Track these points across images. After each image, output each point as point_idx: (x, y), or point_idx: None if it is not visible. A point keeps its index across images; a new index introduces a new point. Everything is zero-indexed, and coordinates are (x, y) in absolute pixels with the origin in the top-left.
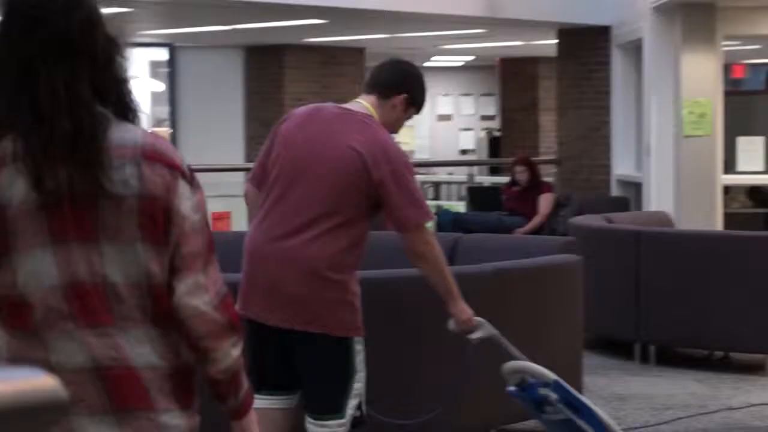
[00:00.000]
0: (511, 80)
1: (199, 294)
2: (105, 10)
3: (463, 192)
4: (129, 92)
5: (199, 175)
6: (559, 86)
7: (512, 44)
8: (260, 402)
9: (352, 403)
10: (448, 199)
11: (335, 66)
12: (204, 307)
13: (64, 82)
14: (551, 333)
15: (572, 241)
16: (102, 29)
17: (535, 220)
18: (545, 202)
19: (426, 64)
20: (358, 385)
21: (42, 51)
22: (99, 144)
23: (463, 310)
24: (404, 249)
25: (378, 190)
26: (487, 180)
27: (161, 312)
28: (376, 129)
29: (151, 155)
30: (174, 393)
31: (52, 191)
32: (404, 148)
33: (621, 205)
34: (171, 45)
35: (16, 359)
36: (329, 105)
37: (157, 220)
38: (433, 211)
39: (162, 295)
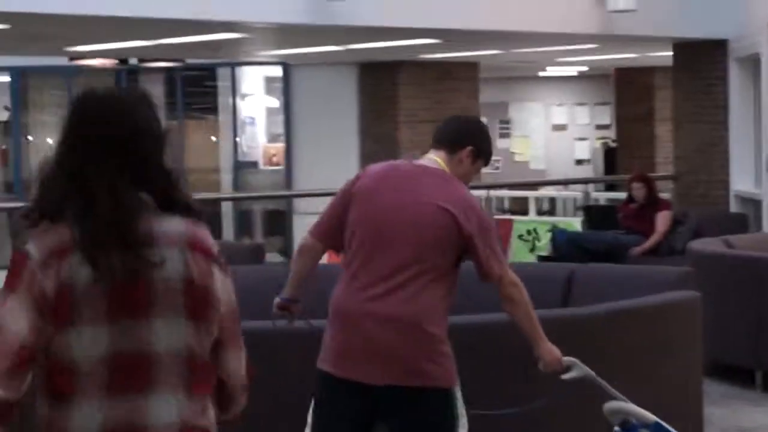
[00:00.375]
0: (627, 90)
1: (243, 368)
2: (222, 37)
3: (579, 206)
4: (174, 185)
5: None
6: (675, 100)
7: (627, 56)
8: None
9: None
10: (564, 214)
11: (450, 81)
12: (245, 380)
13: (110, 178)
14: (669, 371)
15: (690, 272)
16: (151, 132)
17: (653, 239)
18: (663, 220)
19: (540, 74)
20: (462, 431)
21: (93, 150)
22: (144, 230)
23: (550, 350)
24: (499, 295)
25: (467, 242)
26: (602, 196)
27: (194, 380)
28: (457, 184)
29: (194, 244)
30: None
31: (106, 274)
32: (519, 159)
33: (739, 222)
34: (285, 63)
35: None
36: (404, 162)
37: (198, 301)
38: (548, 229)
39: (197, 365)
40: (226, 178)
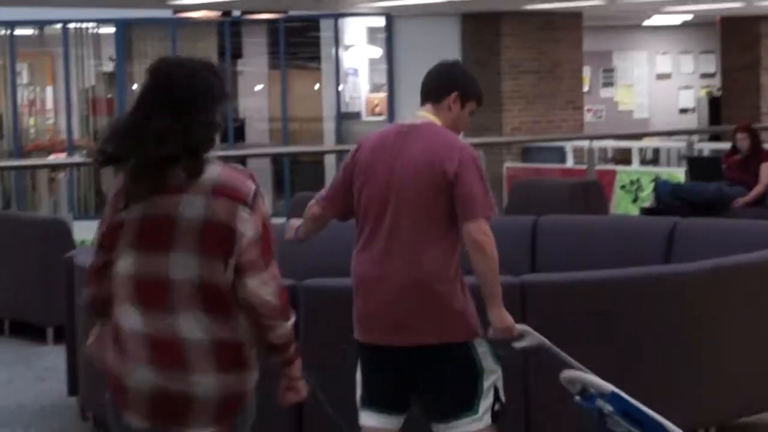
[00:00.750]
0: (732, 39)
1: (264, 288)
2: None
3: (682, 157)
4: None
5: None
6: None
7: (733, 5)
8: (372, 419)
9: (485, 403)
10: (668, 164)
11: (552, 32)
12: (268, 297)
13: (164, 127)
14: None
15: None
16: (207, 94)
17: (756, 190)
18: (767, 171)
19: (645, 23)
20: (488, 383)
21: (157, 103)
22: (174, 178)
23: (503, 316)
24: (463, 238)
25: (453, 182)
26: (707, 147)
27: (210, 301)
28: (443, 133)
29: (219, 191)
30: (213, 360)
31: (134, 215)
32: (623, 108)
33: None
34: (388, 14)
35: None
36: (394, 127)
37: (216, 238)
38: (651, 179)
39: (209, 291)
40: (329, 127)
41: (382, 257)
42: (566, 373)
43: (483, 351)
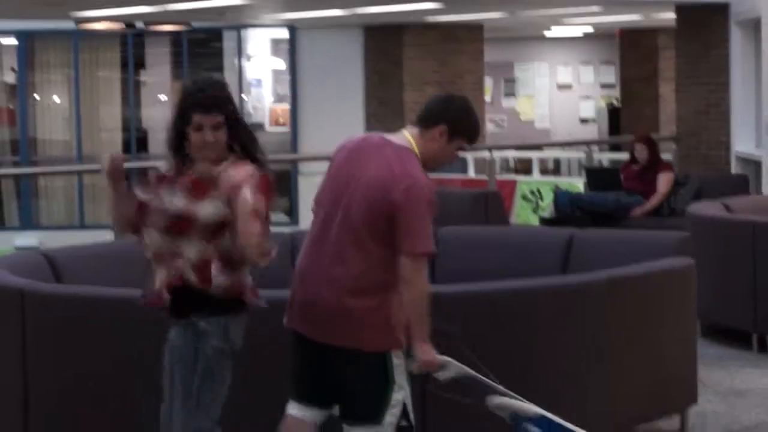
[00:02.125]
0: (631, 50)
1: (247, 229)
2: (228, 2)
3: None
4: (253, 142)
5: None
6: (678, 63)
7: (631, 18)
8: (296, 411)
9: (390, 416)
10: (568, 174)
11: (454, 43)
12: (252, 238)
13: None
14: (664, 336)
15: (687, 237)
16: (233, 101)
17: (653, 200)
18: (664, 181)
19: (546, 34)
20: (398, 396)
21: (196, 110)
22: (204, 173)
23: (427, 350)
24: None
25: (396, 211)
26: (606, 157)
27: (214, 233)
28: (406, 159)
29: (235, 189)
30: (222, 267)
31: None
32: (524, 118)
33: (740, 183)
34: (291, 26)
35: None
36: (375, 136)
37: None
38: (551, 189)
39: (213, 226)
40: None
41: (314, 255)
42: (494, 400)
43: (397, 364)
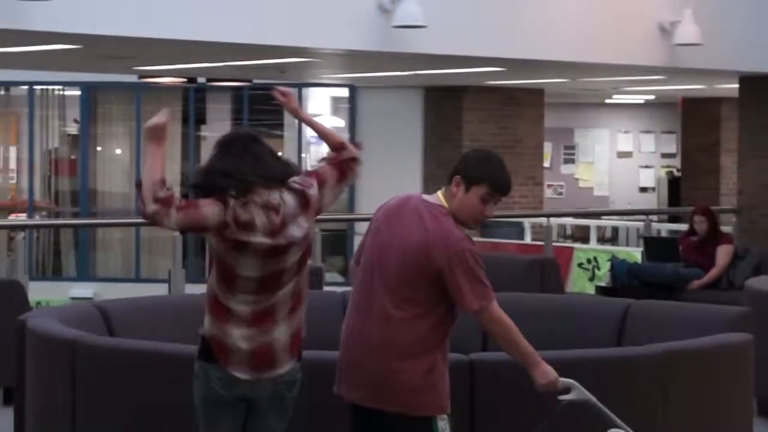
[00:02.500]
0: (693, 120)
1: None
2: (292, 61)
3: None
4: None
5: None
6: (740, 133)
7: (694, 87)
8: None
9: None
10: (626, 243)
11: (514, 107)
12: None
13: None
14: (719, 413)
15: (746, 312)
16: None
17: (712, 273)
18: (723, 254)
19: (607, 101)
20: None
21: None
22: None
23: (543, 372)
24: None
25: (441, 276)
26: (665, 227)
27: None
28: (438, 216)
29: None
30: None
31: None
32: (583, 185)
33: None
34: (351, 85)
35: None
36: (413, 196)
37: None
38: (608, 258)
39: None
40: None
41: (357, 319)
42: None
43: (443, 427)
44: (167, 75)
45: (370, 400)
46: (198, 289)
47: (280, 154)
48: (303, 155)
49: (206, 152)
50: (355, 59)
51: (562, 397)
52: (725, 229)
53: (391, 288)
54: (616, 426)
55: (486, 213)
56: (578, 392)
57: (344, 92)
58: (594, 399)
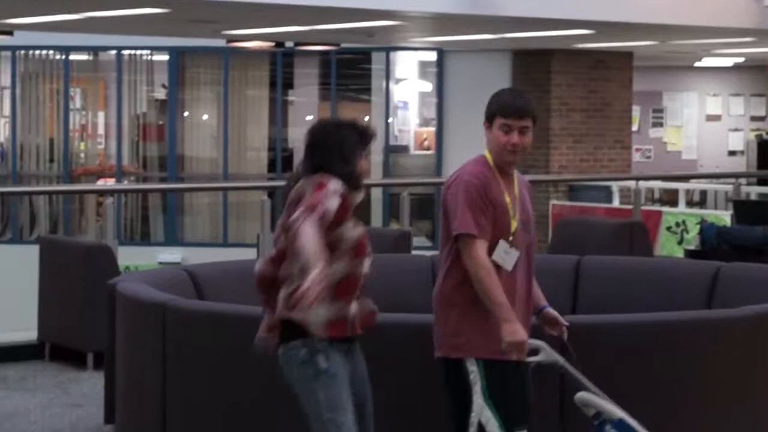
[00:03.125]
0: None
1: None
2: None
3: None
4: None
5: None
6: None
7: None
8: None
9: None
10: (714, 207)
11: (603, 70)
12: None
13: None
14: None
15: None
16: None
17: None
18: None
19: (695, 64)
20: (478, 402)
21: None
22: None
23: (512, 331)
24: None
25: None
26: (754, 190)
27: None
28: (467, 163)
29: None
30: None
31: None
32: (671, 148)
33: None
34: (439, 49)
35: None
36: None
37: None
38: (697, 222)
39: None
40: (377, 159)
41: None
42: (580, 395)
43: (474, 370)
44: (255, 39)
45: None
46: None
47: (366, 118)
48: (390, 119)
49: (294, 117)
50: (443, 22)
51: (530, 359)
52: None
53: (443, 239)
54: (587, 389)
55: (512, 141)
56: (546, 354)
57: (432, 56)
58: (562, 360)
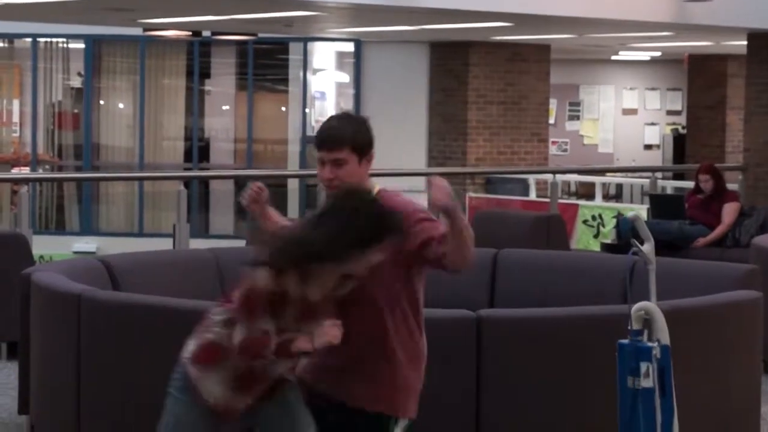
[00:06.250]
0: (699, 77)
1: None
2: (298, 14)
3: (645, 193)
4: None
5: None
6: (747, 91)
7: (701, 44)
8: None
9: None
10: (630, 200)
11: (520, 63)
12: None
13: None
14: (727, 370)
15: (754, 270)
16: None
17: (718, 230)
18: (729, 212)
19: (613, 58)
20: None
21: None
22: None
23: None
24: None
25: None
26: (670, 184)
27: None
28: None
29: None
30: None
31: None
32: (588, 142)
33: None
34: (357, 40)
35: None
36: None
37: None
38: (613, 215)
39: None
40: (294, 150)
41: None
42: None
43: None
44: (172, 28)
45: None
46: (202, 243)
47: (283, 109)
48: (307, 110)
49: (210, 107)
50: (361, 12)
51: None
52: (731, 186)
53: None
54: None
55: (323, 176)
56: None
57: (350, 47)
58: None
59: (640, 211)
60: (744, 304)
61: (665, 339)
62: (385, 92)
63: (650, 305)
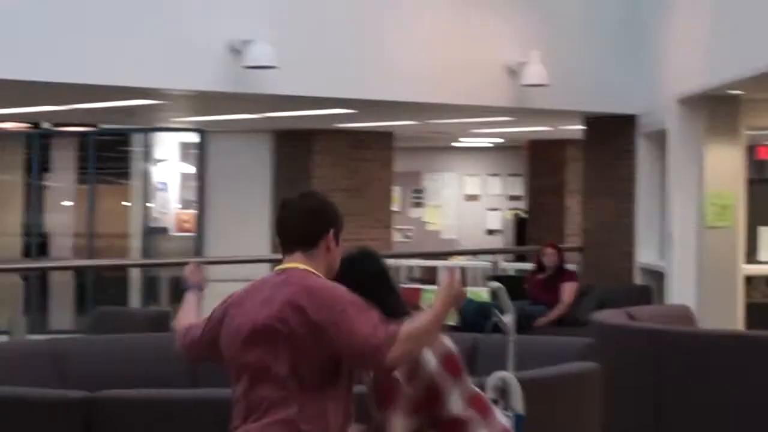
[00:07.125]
0: (539, 162)
1: None
2: (139, 103)
3: (488, 276)
4: None
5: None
6: (585, 173)
7: (540, 129)
8: None
9: None
10: (474, 284)
11: (364, 150)
12: None
13: None
14: None
15: (591, 344)
16: None
17: (558, 310)
18: (568, 291)
19: (454, 144)
20: None
21: None
22: None
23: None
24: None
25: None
26: (511, 267)
27: None
28: None
29: None
30: None
31: None
32: (431, 228)
33: (644, 294)
34: (201, 129)
35: None
36: None
37: None
38: None
39: None
40: (136, 243)
41: None
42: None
43: None
44: (9, 120)
45: None
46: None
47: (125, 203)
48: (148, 204)
49: (51, 202)
50: (205, 101)
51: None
52: (570, 267)
53: None
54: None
55: None
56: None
57: (194, 137)
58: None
59: (480, 293)
60: (582, 376)
61: (520, 408)
62: (229, 182)
63: (508, 375)
